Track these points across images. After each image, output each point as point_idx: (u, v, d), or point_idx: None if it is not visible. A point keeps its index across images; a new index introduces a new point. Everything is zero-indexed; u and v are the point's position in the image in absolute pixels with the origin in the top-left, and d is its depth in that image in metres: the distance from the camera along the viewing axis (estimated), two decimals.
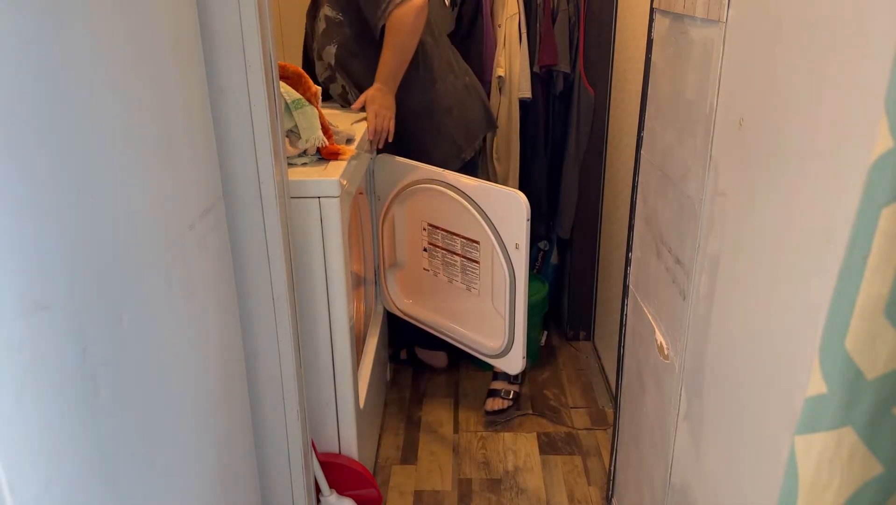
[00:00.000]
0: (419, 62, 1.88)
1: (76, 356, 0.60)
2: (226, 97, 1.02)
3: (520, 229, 1.59)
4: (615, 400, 1.63)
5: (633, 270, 1.46)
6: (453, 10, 2.44)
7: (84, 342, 0.61)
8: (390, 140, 1.87)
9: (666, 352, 1.21)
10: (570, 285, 2.54)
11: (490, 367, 2.08)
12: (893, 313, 0.43)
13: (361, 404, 1.65)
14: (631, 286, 1.47)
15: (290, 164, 1.44)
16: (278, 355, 1.17)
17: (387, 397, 2.25)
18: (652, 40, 1.32)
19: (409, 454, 1.99)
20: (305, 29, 1.99)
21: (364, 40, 1.83)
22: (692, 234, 1.06)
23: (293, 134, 1.45)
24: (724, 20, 0.94)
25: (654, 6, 1.30)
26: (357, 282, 1.91)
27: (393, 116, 1.84)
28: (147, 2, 0.77)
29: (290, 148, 1.45)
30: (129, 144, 0.71)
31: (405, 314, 2.00)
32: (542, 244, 2.58)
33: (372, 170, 1.92)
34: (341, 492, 1.57)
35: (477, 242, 1.72)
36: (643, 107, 1.37)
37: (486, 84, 2.25)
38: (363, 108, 1.85)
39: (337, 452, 1.59)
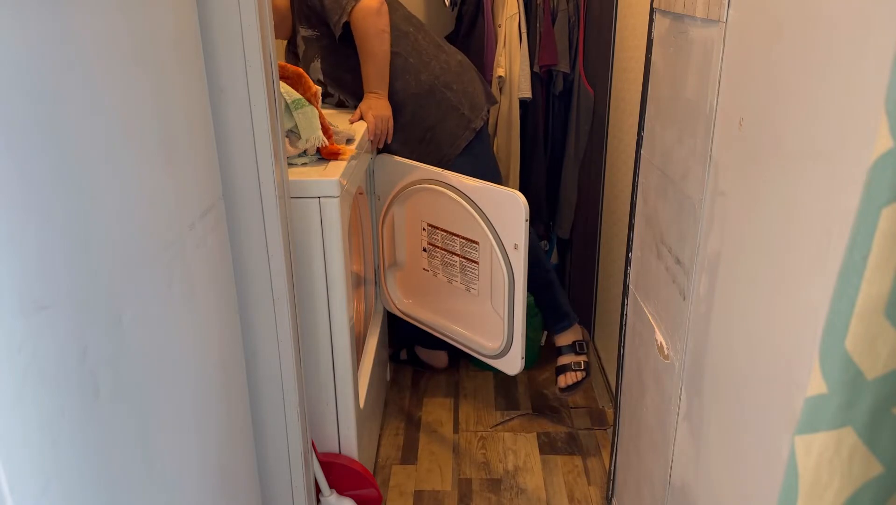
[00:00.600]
0: (409, 51, 1.89)
1: (76, 356, 0.60)
2: (226, 97, 1.02)
3: (519, 230, 1.59)
4: (615, 400, 1.63)
5: (633, 269, 1.46)
6: (453, 10, 2.44)
7: (84, 342, 0.61)
8: (389, 141, 1.87)
9: (666, 352, 1.21)
10: (571, 285, 2.54)
11: (490, 367, 2.08)
12: (893, 313, 0.43)
13: (361, 404, 1.65)
14: (631, 286, 1.47)
15: (290, 164, 1.44)
16: (278, 355, 1.17)
17: (387, 397, 2.25)
18: (652, 40, 1.32)
19: (409, 454, 1.99)
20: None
21: (344, 49, 1.84)
22: (692, 234, 1.06)
23: (293, 134, 1.45)
24: (724, 20, 0.94)
25: (654, 6, 1.30)
26: (357, 282, 1.91)
27: (391, 117, 1.85)
28: (147, 2, 0.77)
29: (290, 148, 1.45)
30: (129, 144, 0.71)
31: (405, 314, 2.00)
32: (542, 244, 2.58)
33: (372, 170, 1.92)
34: (341, 492, 1.57)
35: (476, 243, 1.72)
36: (643, 107, 1.37)
37: (486, 84, 2.25)
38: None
39: (337, 452, 1.59)
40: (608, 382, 2.26)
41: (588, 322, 2.54)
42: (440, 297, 1.90)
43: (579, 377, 2.05)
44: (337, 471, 1.56)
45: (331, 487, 1.52)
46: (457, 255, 1.80)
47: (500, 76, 2.26)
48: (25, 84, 0.55)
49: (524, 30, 2.24)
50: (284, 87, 1.45)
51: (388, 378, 2.32)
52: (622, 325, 1.53)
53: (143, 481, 0.73)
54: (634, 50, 1.93)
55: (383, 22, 1.76)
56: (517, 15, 2.23)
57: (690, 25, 1.09)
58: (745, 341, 0.88)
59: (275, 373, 1.18)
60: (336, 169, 1.43)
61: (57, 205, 0.58)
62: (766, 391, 0.82)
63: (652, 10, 1.31)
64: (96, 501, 0.64)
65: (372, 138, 1.81)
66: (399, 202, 1.89)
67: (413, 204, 1.88)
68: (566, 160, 2.38)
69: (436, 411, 2.19)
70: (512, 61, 2.25)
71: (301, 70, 1.53)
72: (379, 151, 1.92)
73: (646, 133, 1.36)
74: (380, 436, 2.07)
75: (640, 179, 1.39)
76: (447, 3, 2.38)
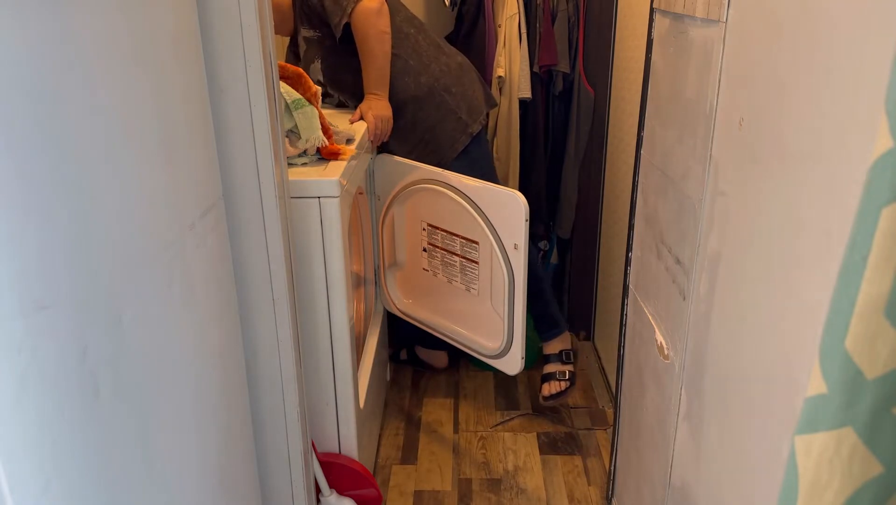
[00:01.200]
0: (409, 53, 1.89)
1: (76, 356, 0.60)
2: (226, 97, 1.02)
3: (518, 230, 1.59)
4: (615, 400, 1.63)
5: (633, 269, 1.46)
6: (453, 10, 2.44)
7: (84, 342, 0.61)
8: (386, 140, 1.87)
9: (666, 352, 1.21)
10: (570, 285, 2.54)
11: (490, 367, 2.08)
12: (893, 313, 0.43)
13: (361, 404, 1.65)
14: (631, 286, 1.47)
15: (290, 164, 1.44)
16: (278, 355, 1.17)
17: (387, 397, 2.25)
18: (652, 40, 1.32)
19: (409, 454, 1.99)
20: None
21: (344, 50, 1.84)
22: (692, 234, 1.06)
23: (293, 134, 1.45)
24: (724, 20, 0.94)
25: (654, 6, 1.30)
26: (357, 282, 1.91)
27: (391, 117, 1.85)
28: (147, 2, 0.77)
29: (290, 148, 1.45)
30: (129, 144, 0.71)
31: (405, 314, 2.00)
32: (542, 244, 2.58)
33: (372, 170, 1.92)
34: (341, 492, 1.57)
35: (476, 243, 1.72)
36: (643, 107, 1.37)
37: (486, 84, 2.25)
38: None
39: (337, 452, 1.59)
40: (608, 382, 2.26)
41: (588, 322, 2.54)
42: (440, 297, 1.90)
43: (563, 387, 2.09)
44: (337, 471, 1.56)
45: (331, 486, 1.52)
46: (457, 255, 1.80)
47: (500, 76, 2.26)
48: (25, 84, 0.55)
49: (524, 30, 2.24)
50: (284, 87, 1.45)
51: (388, 378, 2.32)
52: (622, 325, 1.53)
53: (143, 481, 0.73)
54: (634, 50, 1.93)
55: (384, 23, 1.76)
56: (517, 15, 2.23)
57: (690, 25, 1.09)
58: (746, 341, 0.88)
59: (275, 373, 1.18)
60: (336, 169, 1.43)
61: (57, 205, 0.58)
62: (766, 391, 0.82)
63: (652, 10, 1.31)
64: (96, 501, 0.64)
65: (372, 138, 1.81)
66: (399, 202, 1.89)
67: (413, 204, 1.88)
68: (566, 160, 2.38)
69: (436, 411, 2.19)
70: (512, 61, 2.25)
71: (301, 70, 1.53)
72: (379, 151, 1.92)
73: (646, 133, 1.36)
74: (380, 436, 2.07)
75: (640, 179, 1.39)
76: (447, 4, 2.38)
